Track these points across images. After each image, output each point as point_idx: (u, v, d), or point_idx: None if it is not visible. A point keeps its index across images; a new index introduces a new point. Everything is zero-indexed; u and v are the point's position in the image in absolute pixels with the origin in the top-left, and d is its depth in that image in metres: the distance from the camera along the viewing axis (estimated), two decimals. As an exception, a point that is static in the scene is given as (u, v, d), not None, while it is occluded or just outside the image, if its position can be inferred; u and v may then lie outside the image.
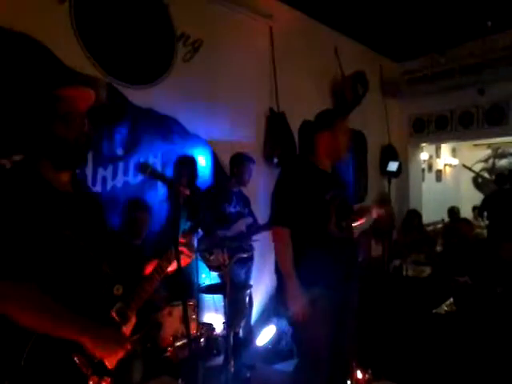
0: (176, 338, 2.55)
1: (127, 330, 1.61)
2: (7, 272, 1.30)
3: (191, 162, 3.63)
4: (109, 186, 3.23)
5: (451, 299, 3.60)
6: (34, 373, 1.31)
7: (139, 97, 3.41)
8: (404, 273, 4.62)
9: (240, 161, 3.78)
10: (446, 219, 7.05)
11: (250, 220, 3.77)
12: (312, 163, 2.45)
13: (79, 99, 1.51)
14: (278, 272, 2.38)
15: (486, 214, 6.10)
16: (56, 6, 2.94)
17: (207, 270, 3.49)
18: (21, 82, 2.67)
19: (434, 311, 3.48)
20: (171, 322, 2.58)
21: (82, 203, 1.57)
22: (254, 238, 3.61)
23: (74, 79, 2.95)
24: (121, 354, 1.51)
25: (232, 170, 3.83)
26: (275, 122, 4.60)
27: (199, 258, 3.33)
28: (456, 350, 3.14)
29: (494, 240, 4.96)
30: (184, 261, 1.74)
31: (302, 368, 2.42)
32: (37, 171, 1.45)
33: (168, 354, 2.57)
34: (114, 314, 1.55)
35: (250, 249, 3.73)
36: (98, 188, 3.14)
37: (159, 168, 3.54)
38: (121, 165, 3.31)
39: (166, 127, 3.64)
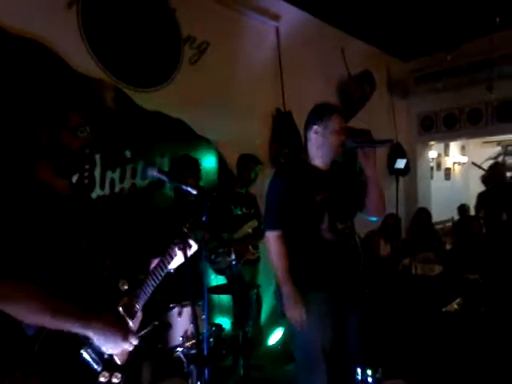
0: (186, 338, 2.56)
1: (135, 325, 1.62)
2: (7, 271, 1.33)
3: (195, 163, 3.64)
4: (117, 189, 3.25)
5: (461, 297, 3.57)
6: (45, 370, 1.34)
7: (146, 99, 3.44)
8: (413, 271, 4.59)
9: (246, 162, 3.78)
10: (456, 217, 7.00)
11: (255, 222, 3.76)
12: (304, 161, 2.30)
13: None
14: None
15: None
16: (64, 10, 2.98)
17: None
18: (29, 86, 2.71)
19: (443, 309, 3.46)
20: (181, 322, 2.59)
21: (81, 205, 1.64)
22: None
23: (82, 85, 3.00)
24: (125, 344, 1.51)
25: (238, 171, 3.83)
26: (282, 122, 4.60)
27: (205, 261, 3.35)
28: (466, 349, 3.11)
29: (492, 237, 4.93)
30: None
31: (299, 372, 2.32)
32: (35, 174, 1.51)
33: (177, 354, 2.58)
34: (120, 310, 1.57)
35: (257, 251, 3.74)
36: (106, 190, 3.17)
37: (166, 170, 3.56)
38: (129, 167, 3.34)
39: (173, 129, 3.66)
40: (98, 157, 3.11)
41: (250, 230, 3.69)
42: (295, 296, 2.14)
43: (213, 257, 3.35)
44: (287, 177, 2.26)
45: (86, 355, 1.43)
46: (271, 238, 2.23)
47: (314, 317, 2.15)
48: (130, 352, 1.58)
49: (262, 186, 4.06)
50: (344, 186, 2.31)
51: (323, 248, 2.19)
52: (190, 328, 2.59)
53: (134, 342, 1.52)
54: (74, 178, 1.69)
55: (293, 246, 2.21)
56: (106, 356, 1.49)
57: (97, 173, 3.12)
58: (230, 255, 3.07)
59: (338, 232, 2.22)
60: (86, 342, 1.43)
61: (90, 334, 1.41)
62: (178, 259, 1.77)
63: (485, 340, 3.11)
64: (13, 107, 2.62)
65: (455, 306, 3.45)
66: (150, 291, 1.68)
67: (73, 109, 1.56)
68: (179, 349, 2.54)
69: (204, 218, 1.78)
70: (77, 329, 1.38)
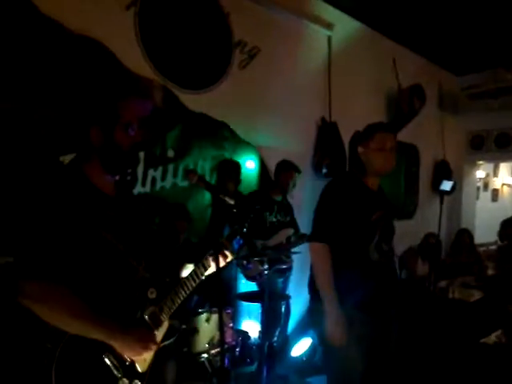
0: (212, 345, 2.56)
1: (159, 334, 1.62)
2: (40, 272, 1.33)
3: (236, 167, 3.64)
4: (158, 187, 3.30)
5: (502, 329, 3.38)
6: (66, 373, 1.34)
7: (193, 101, 3.47)
8: (450, 295, 4.42)
9: (285, 168, 3.75)
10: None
11: (290, 231, 3.72)
12: (360, 181, 2.30)
13: (140, 110, 1.56)
14: (312, 292, 2.27)
15: None
16: (122, 11, 3.06)
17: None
18: (86, 83, 2.79)
19: (481, 341, 3.28)
20: (208, 328, 2.60)
21: (124, 206, 1.61)
22: (295, 249, 3.58)
23: (134, 83, 3.06)
24: (149, 354, 1.53)
25: (276, 177, 3.80)
26: (326, 132, 4.55)
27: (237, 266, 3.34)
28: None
29: None
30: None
31: None
32: (83, 172, 1.50)
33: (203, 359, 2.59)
34: (146, 318, 1.56)
35: (289, 260, 3.70)
36: (147, 188, 3.23)
37: (208, 172, 3.59)
38: (171, 167, 3.38)
39: (217, 132, 3.68)
40: (141, 154, 3.17)
41: (283, 239, 3.66)
42: (339, 316, 2.08)
43: (244, 263, 3.34)
44: (343, 193, 2.24)
45: (107, 360, 1.43)
46: (317, 250, 2.17)
47: (353, 335, 2.12)
48: (152, 360, 1.59)
49: (300, 195, 4.04)
50: (389, 208, 2.34)
51: (369, 267, 2.19)
52: (217, 335, 2.59)
53: (155, 348, 1.54)
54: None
55: (338, 262, 2.17)
56: (127, 363, 1.48)
57: (139, 170, 3.18)
58: (262, 263, 3.05)
59: (383, 253, 2.23)
60: (109, 347, 1.43)
61: (113, 344, 1.43)
62: (211, 269, 1.76)
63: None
64: (70, 102, 2.70)
65: (494, 339, 3.26)
66: (179, 301, 1.68)
67: (125, 107, 1.53)
68: (204, 355, 2.54)
69: (245, 230, 1.77)
70: (101, 338, 1.40)
